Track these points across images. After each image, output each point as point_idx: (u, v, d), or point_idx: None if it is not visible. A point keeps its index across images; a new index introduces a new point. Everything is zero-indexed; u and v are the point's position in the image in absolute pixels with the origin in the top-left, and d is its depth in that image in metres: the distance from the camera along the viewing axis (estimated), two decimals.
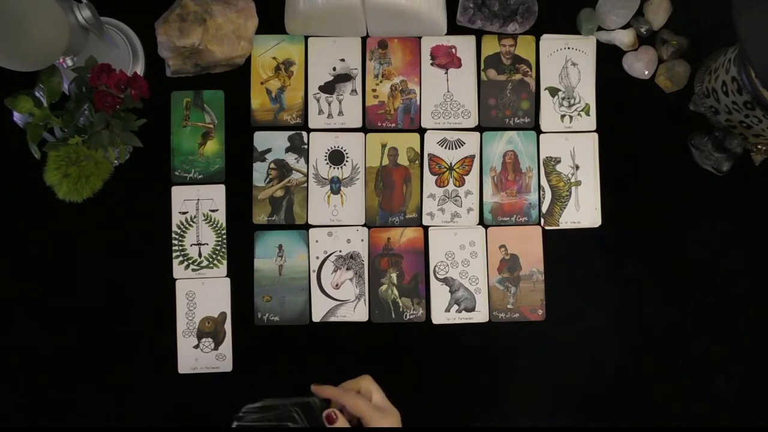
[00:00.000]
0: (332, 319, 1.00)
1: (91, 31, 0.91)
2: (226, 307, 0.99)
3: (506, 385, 0.99)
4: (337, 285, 1.00)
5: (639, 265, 1.00)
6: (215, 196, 1.00)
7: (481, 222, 1.01)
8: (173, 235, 0.99)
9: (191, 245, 0.99)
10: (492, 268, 1.00)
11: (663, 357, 0.99)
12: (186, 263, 0.99)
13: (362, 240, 1.00)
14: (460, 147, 1.02)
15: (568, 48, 1.03)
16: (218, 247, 1.00)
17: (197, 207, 1.00)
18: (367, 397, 0.79)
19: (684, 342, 1.00)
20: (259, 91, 1.02)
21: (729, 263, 1.00)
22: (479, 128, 1.02)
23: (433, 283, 1.00)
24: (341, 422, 0.77)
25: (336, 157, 1.01)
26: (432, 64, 1.03)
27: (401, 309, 1.00)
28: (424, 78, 1.03)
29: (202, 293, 0.99)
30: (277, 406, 0.86)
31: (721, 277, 1.00)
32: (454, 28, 1.02)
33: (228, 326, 0.99)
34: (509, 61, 1.03)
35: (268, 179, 1.01)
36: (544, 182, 1.02)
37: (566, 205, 1.01)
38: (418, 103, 1.02)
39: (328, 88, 1.02)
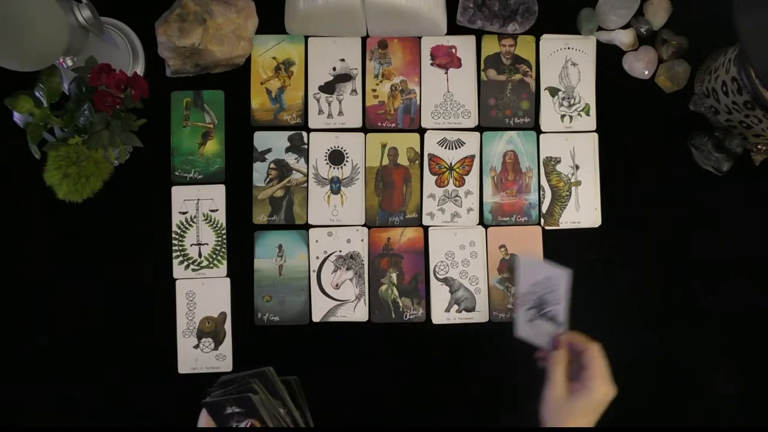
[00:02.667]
0: (332, 319, 1.00)
1: (91, 31, 0.91)
2: (226, 307, 0.99)
3: (506, 385, 0.99)
4: (337, 285, 1.00)
5: (639, 265, 1.00)
6: (215, 196, 1.00)
7: (481, 222, 1.01)
8: (173, 235, 0.99)
9: (191, 245, 0.99)
10: (492, 268, 1.00)
11: (663, 356, 0.99)
12: (186, 263, 0.99)
13: (362, 240, 1.00)
14: (460, 147, 1.02)
15: (568, 48, 1.03)
16: (218, 247, 1.00)
17: (197, 207, 1.00)
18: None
19: (684, 342, 1.00)
20: (259, 91, 1.02)
21: (729, 263, 1.00)
22: (479, 128, 1.02)
23: (433, 283, 1.00)
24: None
25: (336, 157, 1.01)
26: (432, 64, 1.03)
27: (401, 309, 1.00)
28: (424, 78, 1.03)
29: (202, 293, 0.99)
30: (235, 380, 0.89)
31: (721, 277, 1.00)
32: (454, 28, 1.02)
33: (228, 326, 0.99)
34: (509, 61, 1.03)
35: (268, 179, 1.01)
36: (544, 182, 1.02)
37: (566, 205, 1.01)
38: (418, 103, 1.02)
39: (328, 88, 1.02)
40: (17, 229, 0.99)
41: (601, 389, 0.81)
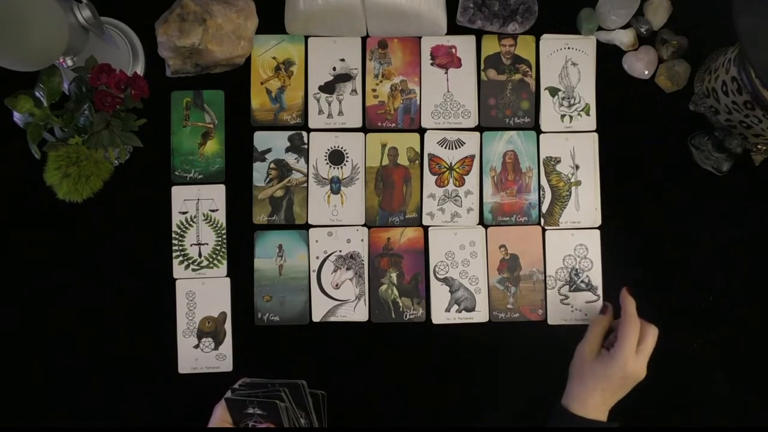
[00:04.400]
0: (332, 319, 1.00)
1: (91, 31, 0.91)
2: (226, 307, 0.99)
3: (506, 385, 0.99)
4: (337, 285, 1.00)
5: (639, 265, 1.00)
6: (215, 196, 1.00)
7: (481, 222, 1.01)
8: (173, 235, 0.99)
9: (191, 245, 0.99)
10: (492, 268, 1.00)
11: (662, 356, 0.99)
12: (186, 263, 0.99)
13: (362, 240, 1.00)
14: (460, 147, 1.02)
15: (568, 48, 1.03)
16: (218, 247, 1.00)
17: (197, 207, 1.00)
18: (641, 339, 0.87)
19: (684, 342, 1.00)
20: (259, 91, 1.02)
21: (729, 263, 1.00)
22: (479, 128, 1.02)
23: (433, 283, 1.00)
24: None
25: (336, 157, 1.01)
26: (432, 64, 1.03)
27: (401, 309, 1.00)
28: (424, 78, 1.03)
29: (202, 293, 0.99)
30: (265, 384, 0.89)
31: (721, 276, 1.00)
32: (454, 28, 1.02)
33: (228, 326, 0.99)
34: (509, 61, 1.03)
35: (268, 179, 1.01)
36: (544, 182, 1.02)
37: (566, 205, 1.01)
38: (418, 103, 1.02)
39: (328, 88, 1.02)
40: (17, 229, 0.99)
41: (628, 364, 0.84)
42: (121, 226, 0.99)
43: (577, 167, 1.02)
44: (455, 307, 1.00)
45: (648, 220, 1.01)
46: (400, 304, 1.00)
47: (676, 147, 1.01)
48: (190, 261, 0.99)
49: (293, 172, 1.01)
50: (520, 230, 1.01)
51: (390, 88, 1.02)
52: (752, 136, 0.96)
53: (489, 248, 1.01)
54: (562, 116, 1.02)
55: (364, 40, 1.02)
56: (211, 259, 0.99)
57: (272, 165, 1.01)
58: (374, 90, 1.02)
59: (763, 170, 1.01)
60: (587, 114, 1.02)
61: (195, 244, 0.99)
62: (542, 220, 1.01)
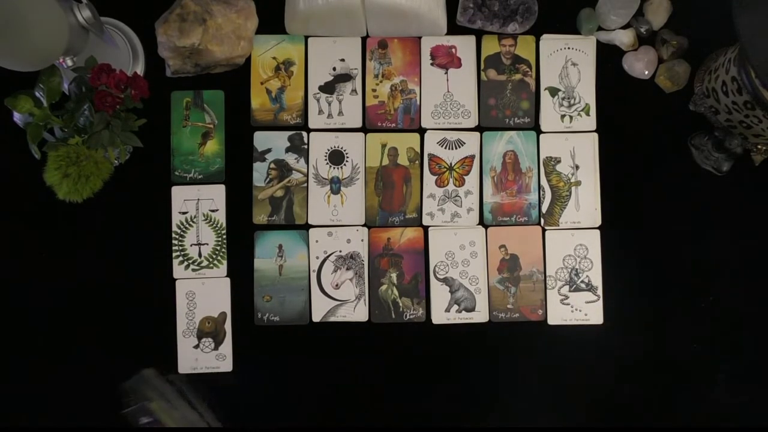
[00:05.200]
0: (332, 319, 1.00)
1: (91, 31, 0.91)
2: (226, 307, 0.99)
3: (506, 385, 0.99)
4: (337, 285, 1.00)
5: (639, 265, 1.00)
6: (215, 196, 1.00)
7: (481, 222, 1.01)
8: (173, 235, 0.99)
9: (191, 245, 0.99)
10: (492, 268, 1.00)
11: (662, 356, 0.99)
12: (186, 263, 0.99)
13: (362, 240, 1.00)
14: (460, 147, 1.02)
15: (568, 48, 1.03)
16: (218, 247, 1.00)
17: (197, 207, 1.00)
18: None
19: (684, 342, 1.00)
20: (259, 91, 1.02)
21: (729, 263, 1.00)
22: (479, 128, 1.02)
23: (433, 283, 1.00)
24: None
25: (336, 157, 1.01)
26: (432, 64, 1.03)
27: (401, 309, 1.00)
28: (424, 78, 1.03)
29: (202, 293, 0.99)
30: (132, 389, 0.90)
31: (721, 277, 1.00)
32: (454, 28, 1.02)
33: (228, 326, 0.99)
34: (509, 61, 1.03)
35: (268, 179, 1.01)
36: (544, 182, 1.02)
37: (566, 205, 1.01)
38: (418, 103, 1.02)
39: (328, 88, 1.02)
40: (17, 229, 0.99)
41: None
42: (121, 226, 0.99)
43: (577, 167, 1.02)
44: (455, 307, 1.00)
45: (648, 220, 1.01)
46: (400, 304, 1.00)
47: (676, 147, 1.01)
48: (190, 261, 0.99)
49: (293, 172, 1.01)
50: (520, 230, 1.01)
51: (390, 88, 1.02)
52: (752, 136, 0.96)
53: (489, 248, 1.01)
54: (562, 116, 1.02)
55: (364, 40, 1.02)
56: (211, 259, 0.99)
57: (272, 165, 1.01)
58: (374, 90, 1.02)
59: (763, 170, 1.01)
60: (587, 114, 1.02)
61: (195, 244, 0.99)
62: (542, 220, 1.01)
